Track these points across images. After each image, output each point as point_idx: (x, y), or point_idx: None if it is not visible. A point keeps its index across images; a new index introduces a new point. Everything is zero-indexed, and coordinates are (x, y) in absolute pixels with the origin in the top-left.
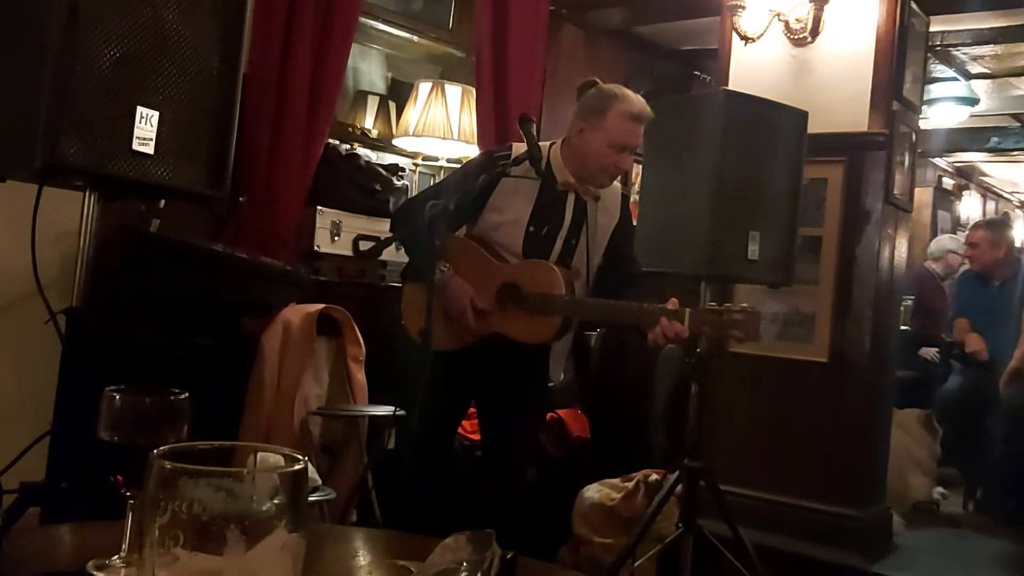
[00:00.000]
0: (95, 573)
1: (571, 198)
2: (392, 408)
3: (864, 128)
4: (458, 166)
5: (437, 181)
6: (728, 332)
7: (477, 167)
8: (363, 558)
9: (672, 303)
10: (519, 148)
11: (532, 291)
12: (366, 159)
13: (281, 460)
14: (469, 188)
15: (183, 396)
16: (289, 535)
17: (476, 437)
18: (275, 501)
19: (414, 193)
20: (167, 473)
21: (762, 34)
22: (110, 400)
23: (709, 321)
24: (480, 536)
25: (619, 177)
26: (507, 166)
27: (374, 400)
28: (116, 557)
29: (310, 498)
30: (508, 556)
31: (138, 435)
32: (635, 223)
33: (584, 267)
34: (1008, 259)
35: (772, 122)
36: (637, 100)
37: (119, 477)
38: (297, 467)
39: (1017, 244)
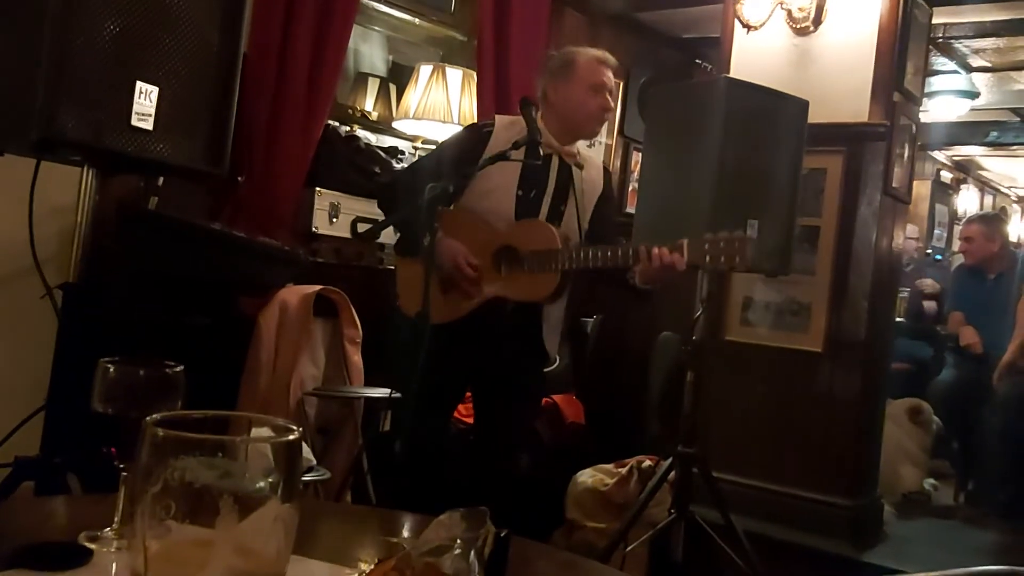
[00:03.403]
0: (87, 544)
1: (555, 162)
2: (388, 390)
3: (864, 119)
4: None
5: (418, 160)
6: (725, 260)
7: (467, 141)
8: (356, 535)
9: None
10: (502, 121)
11: (529, 249)
12: (366, 141)
13: (275, 431)
14: (469, 171)
15: (178, 369)
16: (282, 506)
17: (471, 421)
18: (269, 472)
19: None
20: (160, 441)
21: (764, 22)
22: (104, 371)
23: (706, 250)
24: (474, 513)
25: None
26: (507, 150)
27: (370, 382)
28: (108, 529)
29: (304, 478)
30: (502, 534)
31: (132, 407)
32: (633, 208)
33: (575, 232)
34: (1002, 253)
35: (773, 111)
36: (598, 49)
37: (112, 449)
38: (291, 437)
39: (1013, 239)
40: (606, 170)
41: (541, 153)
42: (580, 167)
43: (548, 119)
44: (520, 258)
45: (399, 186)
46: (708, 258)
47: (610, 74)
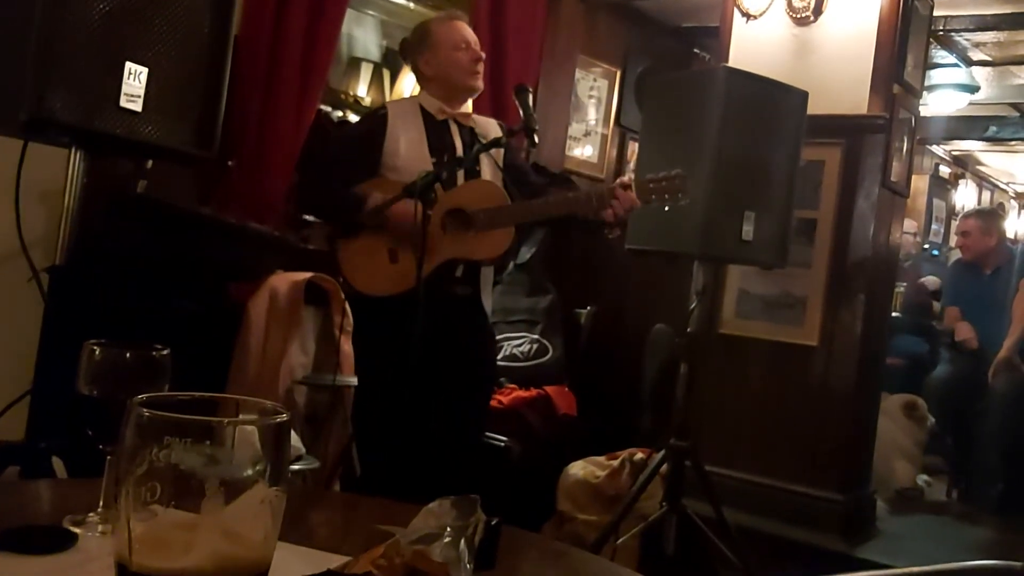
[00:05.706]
0: (72, 528)
1: (454, 128)
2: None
3: (864, 111)
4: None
5: (322, 155)
6: (669, 197)
7: (366, 126)
8: (345, 522)
9: (619, 180)
10: (393, 104)
11: (478, 208)
12: None
13: (263, 414)
14: (464, 160)
15: (165, 352)
16: (270, 490)
17: None
18: (256, 455)
19: None
20: (145, 422)
21: (764, 12)
22: (90, 353)
23: (652, 189)
24: (465, 501)
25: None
26: (500, 137)
27: None
28: (93, 513)
29: (293, 467)
30: (493, 522)
31: (118, 390)
32: None
33: (500, 183)
34: (999, 248)
35: (772, 101)
36: (448, 10)
37: (93, 432)
38: (279, 420)
39: (1010, 235)
40: (501, 126)
41: (437, 117)
42: (476, 127)
43: (431, 90)
44: (470, 218)
45: (322, 181)
46: (654, 196)
47: (465, 27)
